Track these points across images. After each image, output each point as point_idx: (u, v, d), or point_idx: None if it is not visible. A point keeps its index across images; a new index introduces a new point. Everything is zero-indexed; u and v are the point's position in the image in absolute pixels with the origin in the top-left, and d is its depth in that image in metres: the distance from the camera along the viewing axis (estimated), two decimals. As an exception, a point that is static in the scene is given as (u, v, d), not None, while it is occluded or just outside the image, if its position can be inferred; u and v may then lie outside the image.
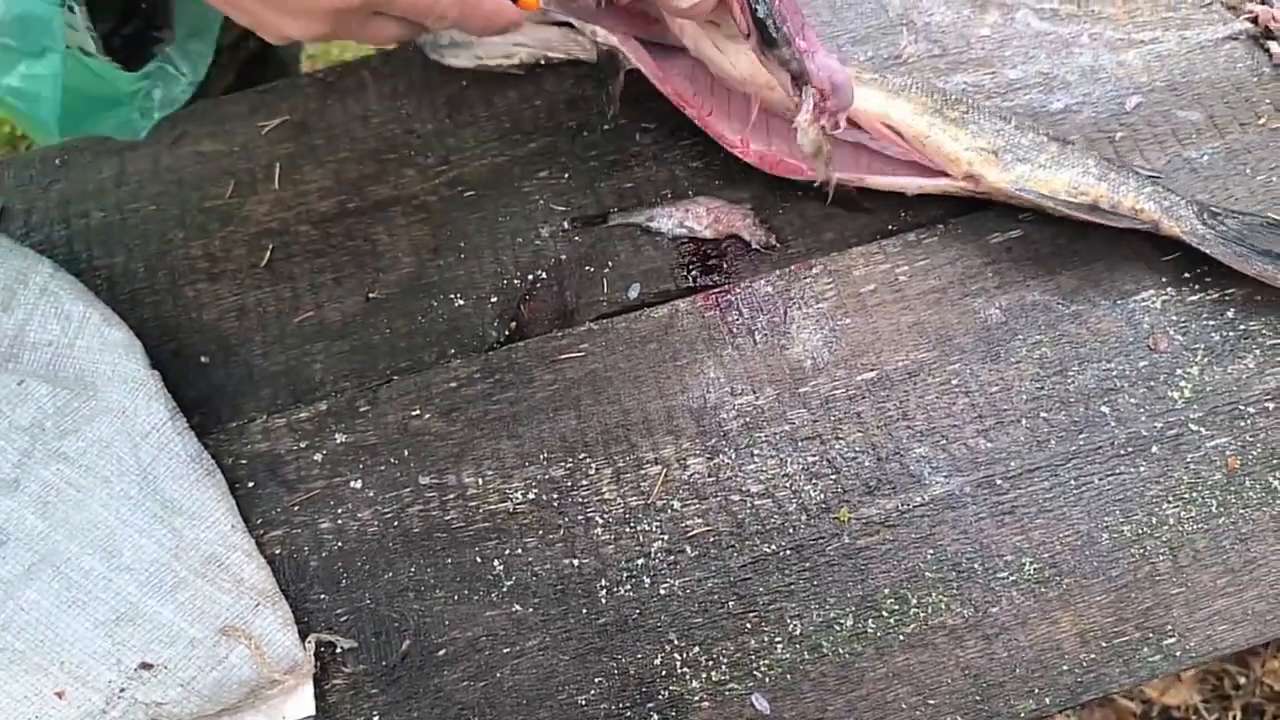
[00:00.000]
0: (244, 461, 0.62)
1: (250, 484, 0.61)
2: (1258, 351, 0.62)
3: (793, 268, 0.66)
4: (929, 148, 0.65)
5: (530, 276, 0.68)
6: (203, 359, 0.66)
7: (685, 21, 0.66)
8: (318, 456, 0.62)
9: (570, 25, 0.74)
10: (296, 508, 0.60)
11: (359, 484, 0.61)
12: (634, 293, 0.67)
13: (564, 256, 0.68)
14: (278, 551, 0.59)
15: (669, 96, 0.70)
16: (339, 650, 0.56)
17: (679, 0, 0.58)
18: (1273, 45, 0.72)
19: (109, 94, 0.60)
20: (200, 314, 0.67)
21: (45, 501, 0.57)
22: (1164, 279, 0.64)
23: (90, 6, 0.56)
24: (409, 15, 0.55)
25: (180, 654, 0.54)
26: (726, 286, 0.66)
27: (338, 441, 0.62)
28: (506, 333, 0.66)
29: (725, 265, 0.67)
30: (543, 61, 0.74)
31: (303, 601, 0.58)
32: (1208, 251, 0.62)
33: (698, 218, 0.68)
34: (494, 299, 0.67)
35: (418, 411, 0.63)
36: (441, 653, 0.56)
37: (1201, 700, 1.34)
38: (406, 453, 0.62)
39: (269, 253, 0.69)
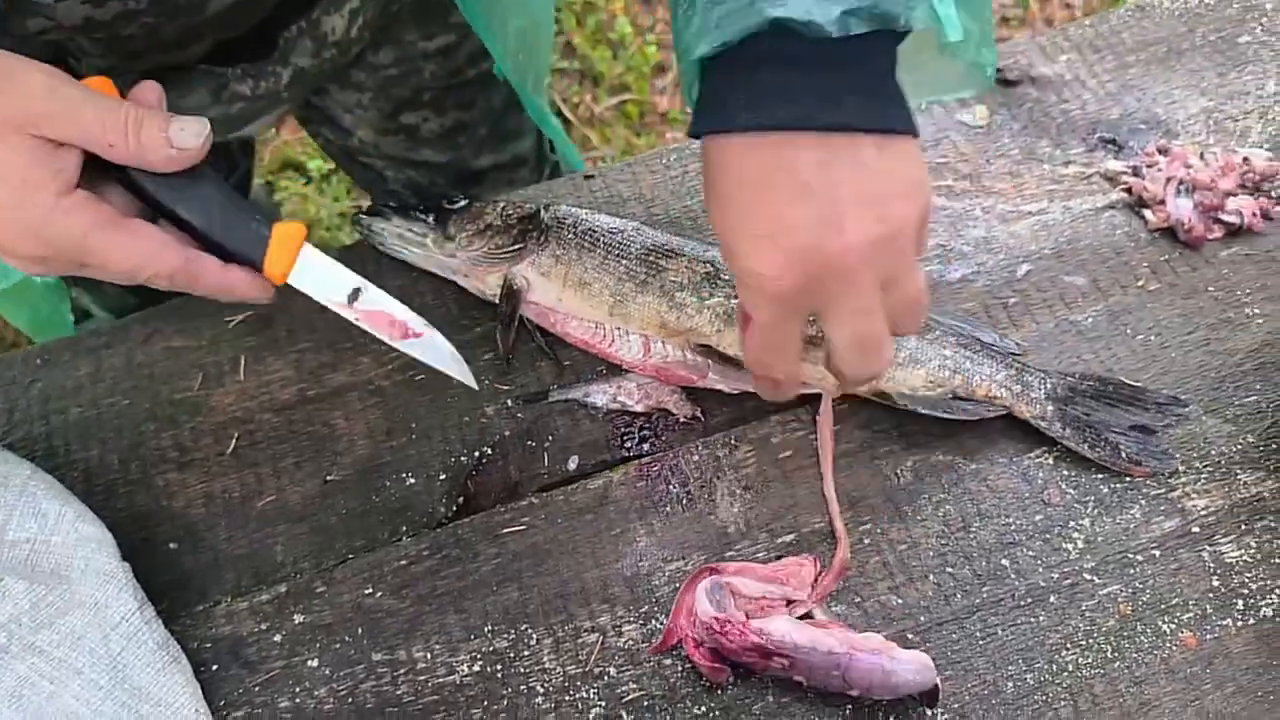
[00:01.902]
0: (208, 645, 0.66)
1: (214, 666, 0.65)
2: (1143, 502, 0.67)
3: (716, 437, 0.72)
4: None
5: (477, 453, 0.73)
6: (171, 545, 0.70)
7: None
8: (277, 637, 0.66)
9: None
10: (257, 688, 0.64)
11: (316, 662, 0.65)
12: (573, 464, 0.72)
13: (508, 432, 0.74)
14: (239, 732, 0.63)
15: (566, 338, 0.76)
16: (296, 827, 0.60)
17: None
18: (1147, 213, 0.79)
19: None
20: (170, 502, 0.72)
21: (19, 695, 0.61)
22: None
23: None
24: (111, 280, 0.56)
25: (145, 840, 0.57)
26: (657, 457, 0.71)
27: (296, 622, 0.66)
28: (455, 508, 0.71)
29: (656, 436, 0.73)
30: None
31: (262, 780, 0.61)
32: (1054, 436, 0.68)
33: (629, 394, 0.74)
34: (443, 476, 0.72)
35: (370, 590, 0.67)
36: (393, 826, 0.60)
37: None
38: (360, 630, 0.66)
39: (234, 441, 0.74)
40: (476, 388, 0.68)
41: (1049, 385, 0.69)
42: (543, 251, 0.75)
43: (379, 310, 0.63)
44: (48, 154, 0.53)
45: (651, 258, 0.74)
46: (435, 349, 0.65)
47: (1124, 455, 0.68)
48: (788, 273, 0.53)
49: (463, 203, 0.78)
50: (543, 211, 0.77)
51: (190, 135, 0.56)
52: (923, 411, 0.70)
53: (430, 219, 0.78)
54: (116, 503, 0.72)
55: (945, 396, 0.70)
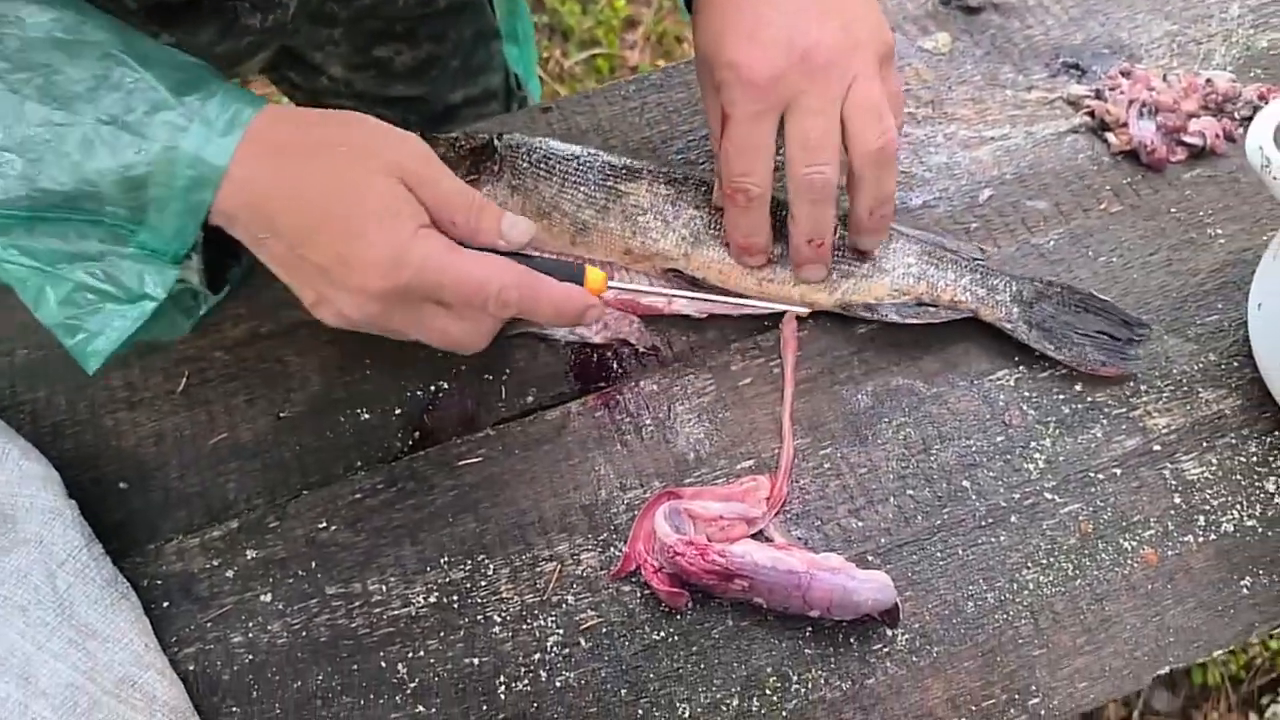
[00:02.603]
0: (159, 582, 0.65)
1: (165, 603, 0.64)
2: (1104, 421, 0.67)
3: (675, 366, 0.71)
4: (768, 294, 0.71)
5: (433, 387, 0.72)
6: (121, 485, 0.69)
7: None
8: (229, 573, 0.65)
9: None
10: (209, 624, 0.63)
11: (269, 597, 0.64)
12: (531, 397, 0.71)
13: (464, 366, 0.72)
14: (191, 668, 0.62)
15: None
16: (250, 760, 0.59)
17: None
18: (1109, 136, 0.78)
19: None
20: (119, 441, 0.71)
21: (-36, 633, 0.60)
22: (1016, 358, 0.69)
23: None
24: (461, 300, 0.59)
25: (93, 774, 0.56)
26: (616, 387, 0.70)
27: (248, 557, 0.65)
28: (411, 442, 0.70)
29: (615, 368, 0.72)
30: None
31: (215, 716, 0.60)
32: (1020, 339, 0.68)
33: (588, 325, 0.72)
34: (399, 411, 0.71)
35: (324, 524, 0.66)
36: (349, 757, 0.59)
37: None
38: (314, 564, 0.65)
39: (185, 379, 0.73)
40: (808, 310, 0.71)
41: (1014, 288, 0.69)
42: (498, 182, 0.74)
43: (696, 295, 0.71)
44: (411, 199, 0.59)
45: (611, 182, 0.72)
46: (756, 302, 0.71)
47: (1090, 357, 0.67)
48: (761, 63, 0.61)
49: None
50: (495, 141, 0.75)
51: (518, 233, 0.62)
52: (891, 319, 0.69)
53: None
54: (64, 443, 0.70)
55: (911, 303, 0.69)
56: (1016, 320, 0.68)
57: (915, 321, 0.69)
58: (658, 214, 0.71)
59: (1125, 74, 0.80)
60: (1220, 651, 0.60)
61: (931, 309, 0.69)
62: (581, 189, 0.72)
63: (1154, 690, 1.38)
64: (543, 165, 0.73)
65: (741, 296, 0.71)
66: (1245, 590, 0.61)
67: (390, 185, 0.58)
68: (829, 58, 0.61)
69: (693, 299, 0.72)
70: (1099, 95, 0.80)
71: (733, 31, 0.62)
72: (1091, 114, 0.79)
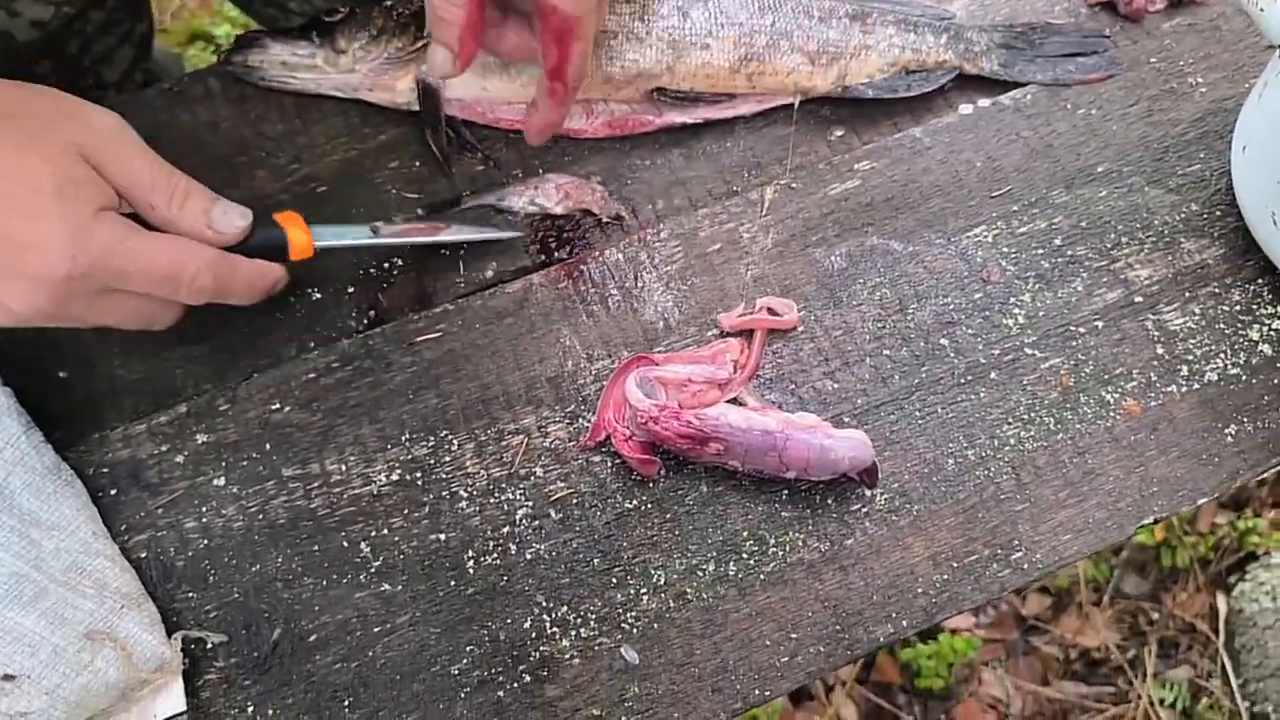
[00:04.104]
0: (105, 470, 0.62)
1: (113, 491, 0.61)
2: (1084, 275, 0.65)
3: (641, 233, 0.68)
4: (759, 87, 0.69)
5: (386, 265, 0.68)
6: (61, 374, 0.65)
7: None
8: (179, 458, 0.62)
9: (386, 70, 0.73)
10: (160, 510, 0.60)
11: (222, 481, 0.61)
12: (490, 271, 0.68)
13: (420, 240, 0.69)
14: (143, 555, 0.59)
15: (498, 124, 0.72)
16: (209, 645, 0.57)
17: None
18: (1087, -13, 0.75)
19: None
20: (58, 330, 0.67)
21: (-103, 525, 0.56)
22: (995, 214, 0.67)
23: None
24: (150, 290, 0.55)
25: (43, 662, 0.53)
26: (579, 257, 0.67)
27: (199, 442, 0.62)
28: (365, 321, 0.66)
29: (578, 238, 0.68)
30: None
31: (171, 602, 0.58)
32: (1011, 79, 0.71)
33: (548, 195, 0.69)
34: (351, 289, 0.67)
35: (278, 405, 0.63)
36: (313, 638, 0.57)
37: (1119, 639, 1.38)
38: (268, 446, 0.62)
39: (123, 264, 0.69)
40: (521, 234, 0.69)
41: (989, 36, 0.72)
42: None
43: (400, 230, 0.66)
44: (95, 178, 0.54)
45: None
46: (465, 231, 0.67)
47: (1076, 73, 0.71)
48: None
49: (343, 12, 0.72)
50: None
51: (229, 222, 0.58)
52: (885, 96, 0.71)
53: (314, 37, 0.72)
54: (-3, 333, 0.66)
55: (900, 74, 0.71)
56: (999, 65, 0.71)
57: (908, 94, 0.70)
58: (628, 34, 0.68)
59: (1102, -78, 0.77)
60: (1204, 500, 0.59)
61: (920, 76, 0.70)
62: None
63: (1124, 574, 1.39)
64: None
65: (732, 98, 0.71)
66: (1230, 438, 0.60)
67: (72, 163, 0.53)
68: None
69: (683, 107, 0.70)
70: (1075, -56, 0.76)
71: None
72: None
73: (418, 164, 0.72)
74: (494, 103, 0.71)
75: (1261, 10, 0.59)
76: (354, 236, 0.65)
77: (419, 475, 0.61)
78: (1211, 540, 1.38)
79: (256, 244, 0.60)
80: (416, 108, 0.72)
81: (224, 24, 1.79)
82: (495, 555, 0.58)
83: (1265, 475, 0.59)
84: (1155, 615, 1.37)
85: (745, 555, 0.58)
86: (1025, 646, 1.37)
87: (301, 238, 0.62)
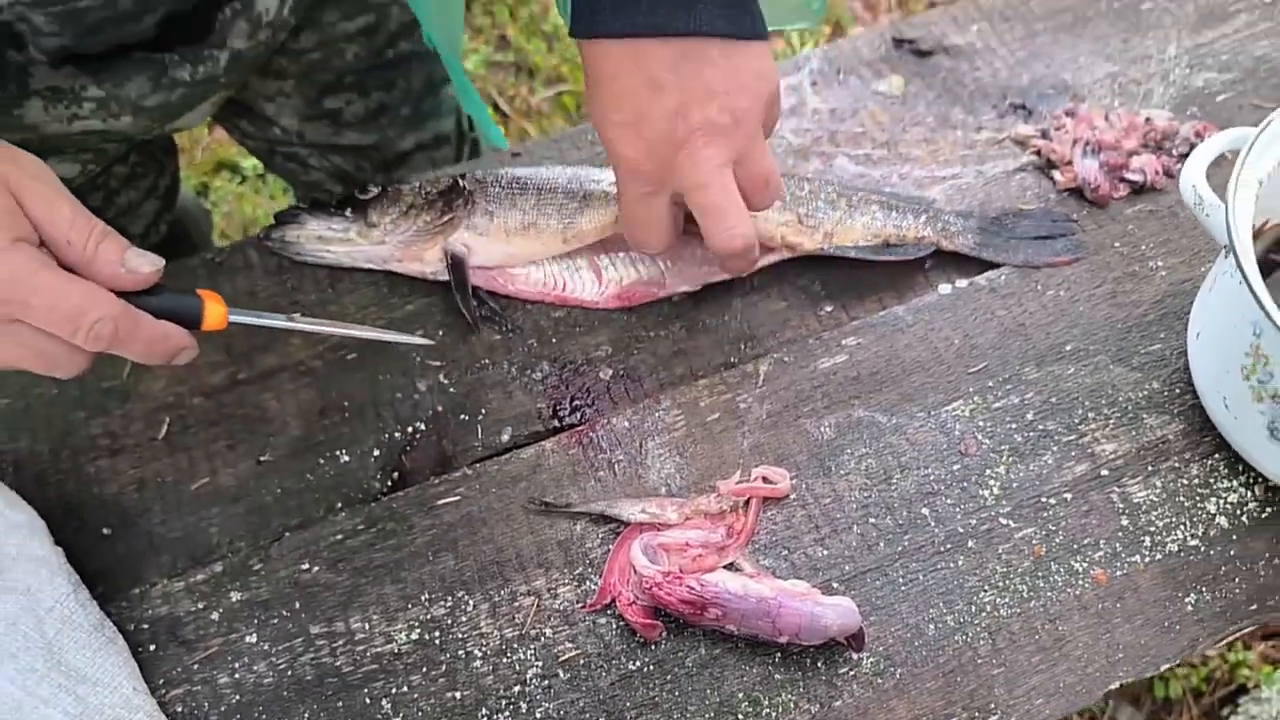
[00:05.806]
0: (145, 626, 0.66)
1: (152, 646, 0.65)
2: (1055, 448, 0.70)
3: (646, 402, 0.73)
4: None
5: (410, 429, 0.74)
6: (104, 531, 0.70)
7: None
8: (214, 615, 0.66)
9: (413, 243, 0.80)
10: (196, 666, 0.65)
11: (254, 638, 0.65)
12: (506, 436, 0.73)
13: (440, 408, 0.75)
14: (179, 709, 0.63)
15: (519, 295, 0.79)
16: (238, 799, 0.60)
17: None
18: (1055, 174, 0.82)
19: None
20: (102, 489, 0.72)
21: (-46, 682, 0.61)
22: (971, 389, 0.72)
23: None
24: (50, 328, 0.55)
25: (85, 817, 0.57)
26: (589, 424, 0.73)
27: (233, 599, 0.67)
28: (389, 483, 0.72)
29: (588, 405, 0.74)
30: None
31: (203, 755, 0.62)
32: (986, 258, 0.78)
33: (661, 506, 0.72)
34: (377, 452, 0.73)
35: (307, 565, 0.68)
36: (335, 792, 0.61)
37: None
38: (298, 605, 0.67)
39: (166, 426, 0.74)
40: (433, 343, 0.75)
41: (964, 220, 0.79)
42: (474, 213, 0.77)
43: (314, 321, 0.71)
44: (15, 209, 0.55)
45: (579, 181, 0.78)
46: (374, 331, 0.73)
47: (1044, 255, 0.78)
48: (645, 157, 0.65)
49: (375, 190, 0.79)
50: (461, 180, 0.78)
51: (143, 263, 0.59)
52: (867, 258, 0.78)
53: (348, 213, 0.79)
54: (47, 491, 0.72)
55: (881, 244, 0.78)
56: (975, 244, 0.78)
57: (889, 259, 0.78)
58: None
59: (1070, 114, 0.84)
60: (1167, 666, 0.63)
61: (900, 248, 0.78)
62: (557, 195, 0.77)
63: (1119, 705, 1.41)
64: (514, 186, 0.78)
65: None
66: (1190, 607, 0.64)
67: None
68: (708, 142, 0.63)
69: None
70: (1045, 135, 0.84)
71: (616, 118, 0.64)
72: (1038, 153, 0.83)
73: (441, 333, 0.78)
74: (513, 275, 0.78)
75: (1208, 216, 0.65)
76: (270, 319, 0.68)
77: (437, 634, 0.65)
78: (1204, 672, 1.41)
79: (169, 307, 0.62)
80: (444, 277, 0.78)
81: (250, 156, 1.88)
82: (507, 714, 0.62)
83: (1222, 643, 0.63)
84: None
85: (741, 716, 0.62)
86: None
87: (217, 309, 0.64)
